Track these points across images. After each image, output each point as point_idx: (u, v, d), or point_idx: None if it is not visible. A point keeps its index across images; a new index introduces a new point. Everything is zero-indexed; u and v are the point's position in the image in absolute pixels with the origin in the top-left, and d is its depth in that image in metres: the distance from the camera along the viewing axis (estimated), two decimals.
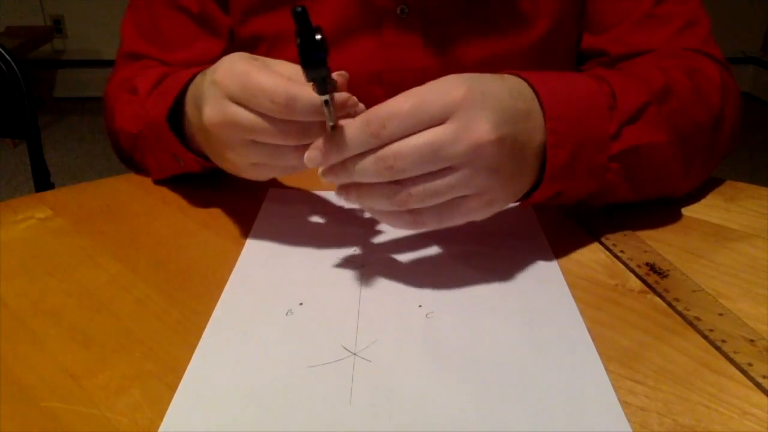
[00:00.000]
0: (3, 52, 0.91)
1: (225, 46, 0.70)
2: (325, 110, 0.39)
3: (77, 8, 3.10)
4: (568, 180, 0.47)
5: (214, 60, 0.69)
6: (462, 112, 0.40)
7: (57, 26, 3.14)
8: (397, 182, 0.41)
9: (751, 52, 3.37)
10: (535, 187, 0.47)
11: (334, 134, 0.40)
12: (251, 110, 0.42)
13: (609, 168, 0.49)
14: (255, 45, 0.69)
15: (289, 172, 0.48)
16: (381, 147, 0.40)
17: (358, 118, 0.40)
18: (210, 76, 0.45)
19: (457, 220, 0.43)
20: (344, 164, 0.41)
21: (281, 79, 0.41)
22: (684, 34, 0.65)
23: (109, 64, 0.71)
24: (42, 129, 0.98)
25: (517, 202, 0.47)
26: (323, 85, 0.38)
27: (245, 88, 0.42)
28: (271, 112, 0.41)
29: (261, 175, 0.48)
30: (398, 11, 0.65)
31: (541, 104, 0.45)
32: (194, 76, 0.52)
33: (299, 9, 0.36)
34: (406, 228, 0.44)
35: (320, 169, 0.42)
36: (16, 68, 0.92)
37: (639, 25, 0.65)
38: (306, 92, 0.40)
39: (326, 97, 0.39)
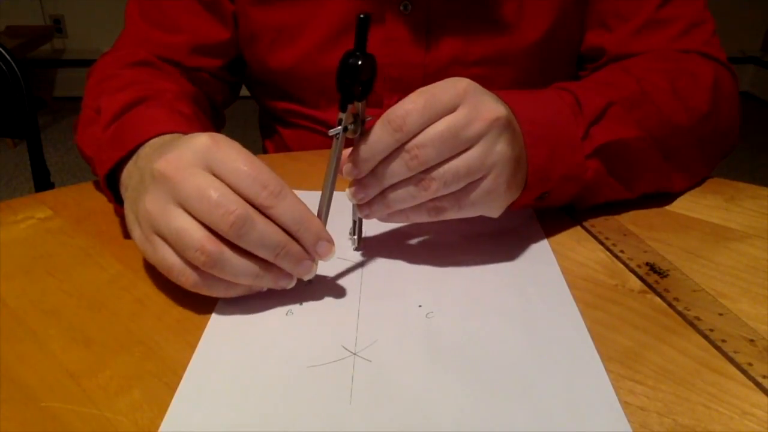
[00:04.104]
0: (3, 51, 0.91)
1: (231, 34, 0.70)
2: (360, 110, 0.42)
3: (77, 8, 3.10)
4: (549, 180, 0.49)
5: (219, 44, 0.70)
6: (470, 98, 0.43)
7: (57, 26, 3.15)
8: (420, 173, 0.43)
9: (751, 52, 3.37)
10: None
11: (360, 144, 0.43)
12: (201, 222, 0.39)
13: (587, 167, 0.51)
14: (258, 37, 0.70)
15: (242, 291, 0.42)
16: (404, 144, 0.42)
17: (378, 122, 0.42)
18: (156, 162, 0.41)
19: (475, 206, 0.45)
20: (374, 172, 0.44)
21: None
22: (686, 36, 0.65)
23: None
24: (42, 129, 0.98)
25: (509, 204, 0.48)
26: (357, 94, 0.41)
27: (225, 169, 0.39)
28: (259, 199, 0.39)
29: (203, 287, 0.41)
30: (401, 7, 0.65)
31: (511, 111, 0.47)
32: (155, 136, 0.48)
33: (363, 15, 0.39)
34: (428, 219, 0.46)
35: (349, 190, 0.45)
36: (16, 68, 0.92)
37: (642, 28, 0.66)
38: (294, 197, 0.40)
39: (360, 105, 0.42)
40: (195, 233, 0.39)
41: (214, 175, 0.40)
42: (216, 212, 0.38)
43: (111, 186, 0.50)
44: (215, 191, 0.38)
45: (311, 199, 0.47)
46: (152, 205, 0.40)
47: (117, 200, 0.50)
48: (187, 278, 0.40)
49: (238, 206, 0.38)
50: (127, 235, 0.52)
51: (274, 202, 0.39)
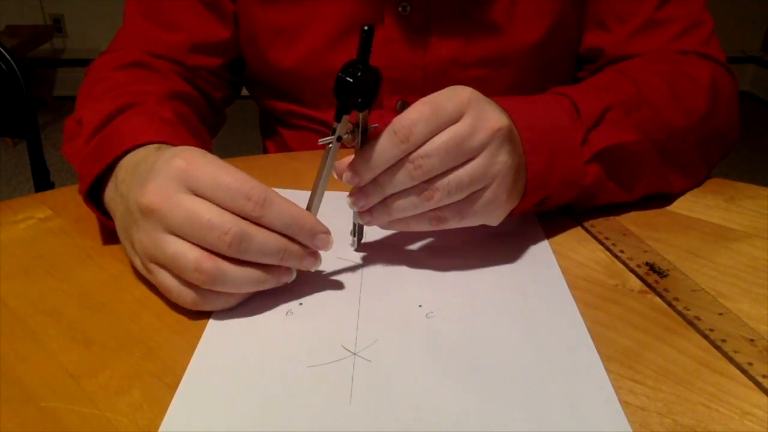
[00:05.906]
0: (3, 51, 0.91)
1: (231, 34, 0.70)
2: (360, 122, 0.42)
3: (77, 7, 3.10)
4: (548, 186, 0.49)
5: (219, 43, 0.70)
6: (473, 108, 0.43)
7: (57, 25, 3.14)
8: (423, 182, 0.43)
9: (751, 52, 3.37)
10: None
11: (363, 153, 0.42)
12: (196, 245, 0.39)
13: (587, 172, 0.51)
14: (259, 37, 0.70)
15: (241, 299, 0.43)
16: (410, 153, 0.42)
17: (385, 132, 0.42)
18: (140, 196, 0.40)
19: (477, 216, 0.45)
20: (376, 181, 0.43)
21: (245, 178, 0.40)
22: (684, 37, 0.65)
23: None
24: (42, 128, 0.98)
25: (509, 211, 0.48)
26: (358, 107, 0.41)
27: (211, 186, 0.39)
28: (246, 211, 0.39)
29: (202, 303, 0.41)
30: (400, 9, 0.65)
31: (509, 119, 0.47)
32: (132, 148, 0.47)
33: (367, 27, 0.38)
34: (429, 228, 0.45)
35: (350, 198, 0.45)
36: (16, 67, 0.92)
37: (640, 29, 0.66)
38: (282, 199, 0.40)
39: (362, 115, 0.42)
40: (190, 254, 0.39)
41: (198, 195, 0.40)
42: (211, 235, 0.38)
43: (95, 197, 0.50)
44: (206, 214, 0.39)
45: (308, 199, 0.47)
46: (145, 237, 0.41)
47: (100, 210, 0.50)
48: (185, 298, 0.41)
49: (231, 224, 0.38)
50: None
51: (261, 211, 0.39)
